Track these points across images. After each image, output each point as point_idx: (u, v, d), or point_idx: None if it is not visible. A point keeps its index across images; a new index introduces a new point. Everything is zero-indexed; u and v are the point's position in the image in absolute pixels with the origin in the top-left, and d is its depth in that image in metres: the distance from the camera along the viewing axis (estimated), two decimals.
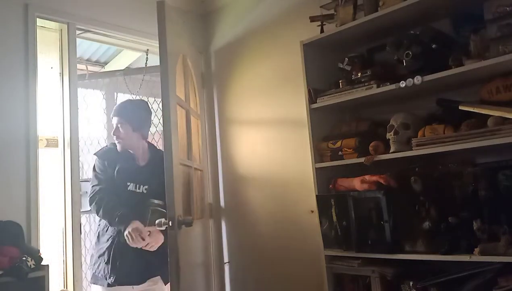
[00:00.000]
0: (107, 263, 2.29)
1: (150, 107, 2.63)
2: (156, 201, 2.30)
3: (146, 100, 3.40)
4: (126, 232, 2.23)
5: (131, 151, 2.45)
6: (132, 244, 2.23)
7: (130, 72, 3.38)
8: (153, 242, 2.27)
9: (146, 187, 2.38)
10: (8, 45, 2.47)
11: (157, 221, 2.05)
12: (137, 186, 2.38)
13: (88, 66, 3.65)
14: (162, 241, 2.30)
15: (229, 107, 3.30)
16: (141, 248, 2.25)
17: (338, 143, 2.24)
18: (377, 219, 2.00)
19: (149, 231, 2.26)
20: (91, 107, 3.19)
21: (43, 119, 2.61)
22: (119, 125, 2.40)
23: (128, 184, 2.38)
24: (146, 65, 3.32)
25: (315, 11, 2.46)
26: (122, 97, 3.46)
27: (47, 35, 2.77)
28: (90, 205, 2.36)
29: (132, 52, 3.60)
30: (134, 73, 3.37)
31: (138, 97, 3.30)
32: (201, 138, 3.19)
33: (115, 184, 2.38)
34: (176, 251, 2.04)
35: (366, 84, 2.14)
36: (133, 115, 2.41)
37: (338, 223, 2.16)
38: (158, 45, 3.16)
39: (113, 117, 2.44)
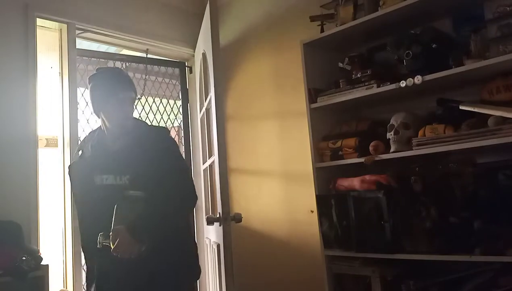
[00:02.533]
0: None
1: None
2: (132, 192, 1.76)
3: (145, 100, 3.40)
4: None
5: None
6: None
7: (129, 60, 3.36)
8: (118, 246, 1.65)
9: (128, 176, 1.80)
10: (8, 45, 2.47)
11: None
12: (116, 177, 1.82)
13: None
14: (130, 245, 1.65)
15: (229, 107, 3.30)
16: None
17: (338, 143, 2.24)
18: (377, 219, 2.00)
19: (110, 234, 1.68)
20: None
21: (43, 119, 2.61)
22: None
23: (97, 177, 1.84)
24: (146, 65, 3.32)
25: (315, 11, 2.45)
26: None
27: (47, 35, 2.77)
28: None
29: (132, 52, 3.59)
30: (134, 61, 3.36)
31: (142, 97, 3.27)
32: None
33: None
34: (230, 248, 2.06)
35: (366, 84, 2.14)
36: (90, 99, 1.90)
37: (338, 223, 2.15)
38: (157, 44, 3.18)
39: None
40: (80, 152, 1.97)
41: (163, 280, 1.76)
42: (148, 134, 1.89)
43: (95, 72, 1.94)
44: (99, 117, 1.92)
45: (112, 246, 1.66)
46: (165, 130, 2.00)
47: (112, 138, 1.90)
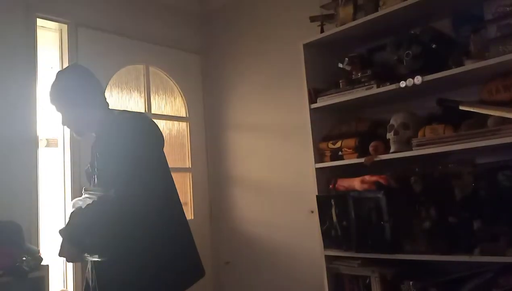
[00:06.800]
0: None
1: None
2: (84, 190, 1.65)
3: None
4: None
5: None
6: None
7: None
8: (60, 249, 1.62)
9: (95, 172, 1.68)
10: (8, 45, 2.47)
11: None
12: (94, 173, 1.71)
13: None
14: (68, 250, 1.59)
15: (229, 108, 3.30)
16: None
17: (338, 144, 2.24)
18: (377, 219, 2.00)
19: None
20: None
21: (43, 119, 2.61)
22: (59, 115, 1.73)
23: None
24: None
25: (315, 11, 2.45)
26: None
27: (47, 35, 2.77)
28: None
29: None
30: None
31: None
32: (191, 140, 3.36)
33: None
34: None
35: (366, 84, 2.14)
36: (56, 96, 1.68)
37: (338, 223, 2.15)
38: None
39: None
40: None
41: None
42: (109, 122, 1.66)
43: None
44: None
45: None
46: (128, 114, 1.74)
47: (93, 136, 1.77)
